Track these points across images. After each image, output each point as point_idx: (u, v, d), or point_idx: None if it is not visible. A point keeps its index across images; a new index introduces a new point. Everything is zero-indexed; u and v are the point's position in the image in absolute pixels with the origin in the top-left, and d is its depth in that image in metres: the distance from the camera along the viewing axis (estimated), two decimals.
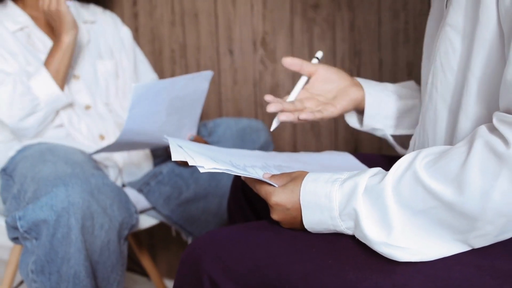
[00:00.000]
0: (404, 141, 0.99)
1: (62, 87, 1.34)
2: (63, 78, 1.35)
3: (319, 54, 0.95)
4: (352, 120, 0.99)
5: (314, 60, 0.94)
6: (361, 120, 0.97)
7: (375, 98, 0.94)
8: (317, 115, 0.88)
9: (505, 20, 0.63)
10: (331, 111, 0.90)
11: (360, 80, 0.96)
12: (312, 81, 0.93)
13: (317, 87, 0.92)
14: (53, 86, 1.32)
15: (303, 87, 0.92)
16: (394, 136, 0.98)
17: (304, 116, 0.86)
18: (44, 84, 1.31)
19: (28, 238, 1.10)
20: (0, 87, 1.27)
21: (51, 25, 1.41)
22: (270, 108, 0.85)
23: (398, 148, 0.99)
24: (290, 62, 0.91)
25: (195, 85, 1.26)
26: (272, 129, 0.87)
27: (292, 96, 0.91)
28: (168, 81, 1.20)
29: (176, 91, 1.22)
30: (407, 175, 0.63)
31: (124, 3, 1.73)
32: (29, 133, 1.32)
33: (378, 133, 0.97)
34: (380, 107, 0.94)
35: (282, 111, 0.86)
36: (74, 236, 1.06)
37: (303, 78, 0.93)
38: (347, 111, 0.93)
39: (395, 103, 0.95)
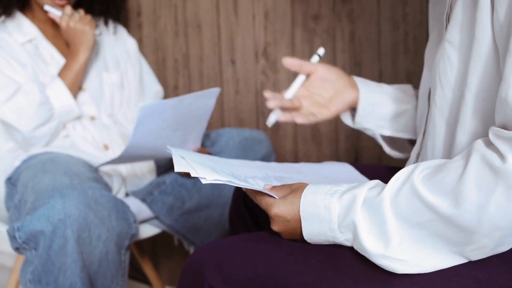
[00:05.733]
0: (394, 141, 1.02)
1: None
2: (75, 92, 1.38)
3: (321, 51, 0.96)
4: (345, 117, 1.01)
5: (315, 57, 0.96)
6: (354, 118, 1.00)
7: (369, 100, 0.97)
8: (312, 119, 0.95)
9: (500, 36, 0.64)
10: (326, 115, 0.96)
11: (358, 80, 0.98)
12: (311, 79, 0.95)
13: (315, 86, 0.95)
14: (68, 98, 1.35)
15: (302, 85, 0.95)
16: (383, 136, 1.00)
17: (300, 120, 0.94)
18: (60, 95, 1.33)
19: (27, 249, 1.11)
20: (20, 95, 1.29)
21: (62, 38, 1.44)
22: (270, 104, 0.90)
23: (387, 149, 1.01)
24: (290, 63, 0.94)
25: (202, 102, 1.25)
26: (269, 124, 0.92)
27: (290, 93, 0.94)
28: (174, 100, 1.18)
29: (183, 109, 1.21)
30: (405, 188, 0.64)
31: (128, 14, 1.75)
32: (40, 143, 1.33)
33: (368, 132, 1.00)
34: (374, 109, 0.97)
35: (281, 107, 0.91)
36: (70, 247, 1.07)
37: (301, 76, 0.95)
38: (341, 112, 0.98)
39: (388, 107, 0.98)
